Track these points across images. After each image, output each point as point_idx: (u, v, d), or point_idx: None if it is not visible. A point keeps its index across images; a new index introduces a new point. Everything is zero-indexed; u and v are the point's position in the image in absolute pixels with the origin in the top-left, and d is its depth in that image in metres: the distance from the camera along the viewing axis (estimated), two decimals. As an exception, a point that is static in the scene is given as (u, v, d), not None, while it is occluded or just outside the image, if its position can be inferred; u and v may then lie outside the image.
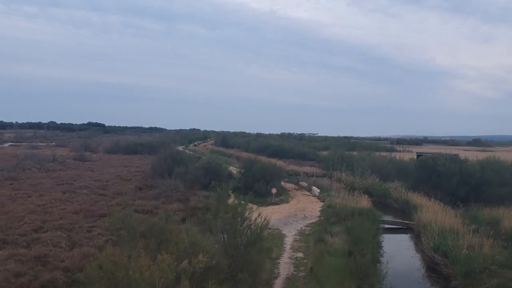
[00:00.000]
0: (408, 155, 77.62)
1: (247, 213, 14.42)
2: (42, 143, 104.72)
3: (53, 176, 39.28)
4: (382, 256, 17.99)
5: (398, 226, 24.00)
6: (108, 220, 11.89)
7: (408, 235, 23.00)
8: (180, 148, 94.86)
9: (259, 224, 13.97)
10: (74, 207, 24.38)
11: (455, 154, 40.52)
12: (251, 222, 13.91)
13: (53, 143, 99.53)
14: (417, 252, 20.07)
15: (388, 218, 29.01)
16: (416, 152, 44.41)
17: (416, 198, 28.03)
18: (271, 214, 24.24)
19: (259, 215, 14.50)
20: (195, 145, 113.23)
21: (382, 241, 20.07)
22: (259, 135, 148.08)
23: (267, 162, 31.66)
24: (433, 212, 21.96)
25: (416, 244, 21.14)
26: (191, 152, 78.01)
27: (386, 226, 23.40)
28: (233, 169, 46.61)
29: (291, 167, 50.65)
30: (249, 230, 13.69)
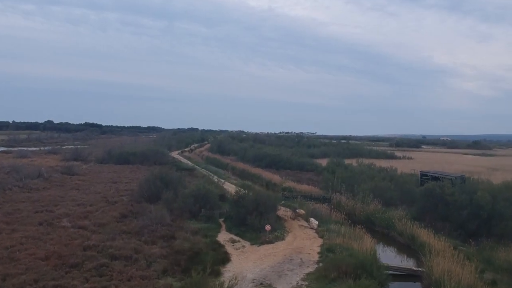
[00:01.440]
0: (409, 163, 75.66)
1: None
2: (36, 147, 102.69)
3: (34, 198, 36.83)
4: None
5: (405, 273, 21.61)
6: None
7: (417, 284, 20.65)
8: (176, 153, 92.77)
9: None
10: (46, 250, 21.96)
11: (462, 175, 38.28)
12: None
13: (46, 148, 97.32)
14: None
15: (392, 254, 26.83)
16: (420, 171, 42.12)
17: (424, 235, 25.66)
18: (264, 258, 21.97)
19: None
20: (191, 150, 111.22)
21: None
22: (256, 137, 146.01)
23: (261, 190, 29.21)
24: (444, 261, 19.57)
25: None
26: (185, 161, 75.73)
27: (392, 272, 20.99)
28: (228, 186, 44.27)
29: (288, 183, 48.45)
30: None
